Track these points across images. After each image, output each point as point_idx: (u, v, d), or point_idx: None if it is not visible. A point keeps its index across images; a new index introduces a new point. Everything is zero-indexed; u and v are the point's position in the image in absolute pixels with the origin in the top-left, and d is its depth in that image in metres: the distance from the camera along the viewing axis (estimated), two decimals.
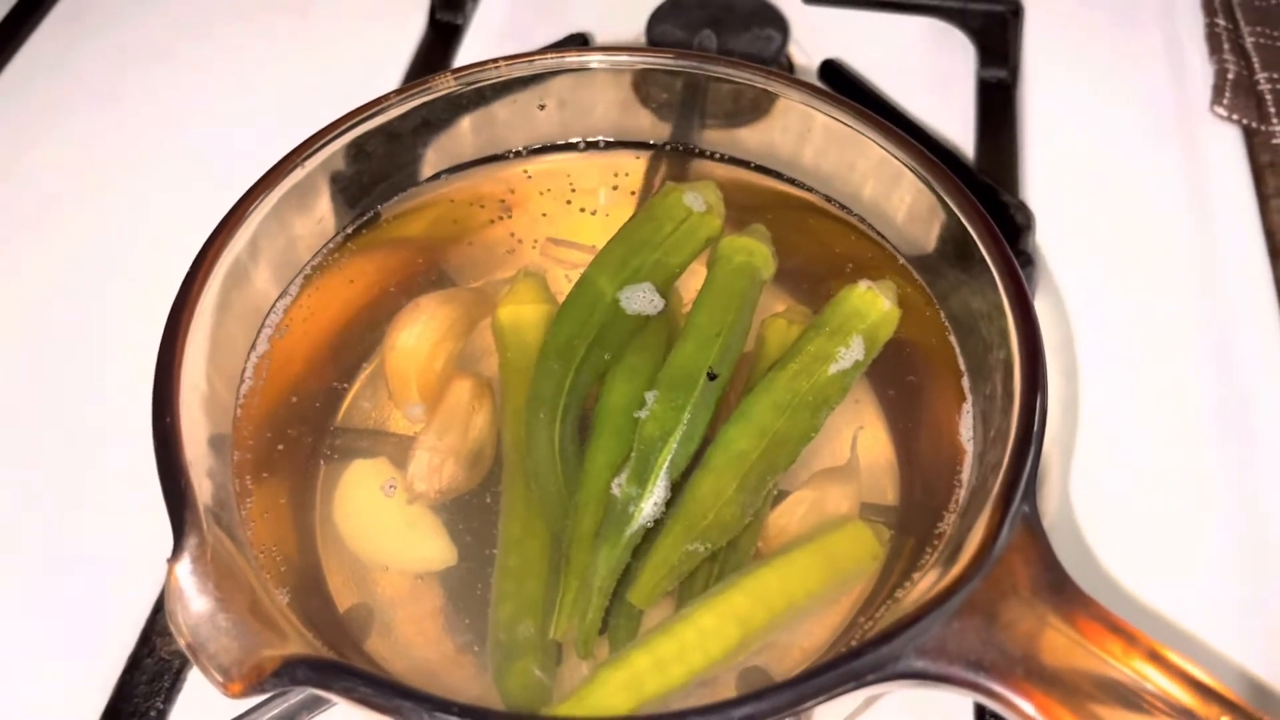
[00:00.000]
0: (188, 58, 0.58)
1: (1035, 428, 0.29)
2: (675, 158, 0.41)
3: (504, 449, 0.35)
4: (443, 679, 0.32)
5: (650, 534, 0.33)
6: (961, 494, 0.32)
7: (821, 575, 0.32)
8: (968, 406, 0.34)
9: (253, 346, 0.35)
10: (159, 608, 0.39)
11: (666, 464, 0.33)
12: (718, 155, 0.41)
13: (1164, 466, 0.42)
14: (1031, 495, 0.28)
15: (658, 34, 0.54)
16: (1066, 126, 0.53)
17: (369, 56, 0.58)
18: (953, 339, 0.35)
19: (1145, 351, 0.45)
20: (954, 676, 0.25)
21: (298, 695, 0.35)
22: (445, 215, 0.41)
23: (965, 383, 0.34)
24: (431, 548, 0.34)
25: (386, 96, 0.37)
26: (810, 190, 0.40)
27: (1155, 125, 0.53)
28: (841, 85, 0.54)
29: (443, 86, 0.38)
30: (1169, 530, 0.40)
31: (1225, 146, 0.52)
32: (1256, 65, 0.53)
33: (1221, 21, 0.56)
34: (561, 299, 0.37)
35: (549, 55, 0.39)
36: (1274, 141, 0.51)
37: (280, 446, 0.35)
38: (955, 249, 0.34)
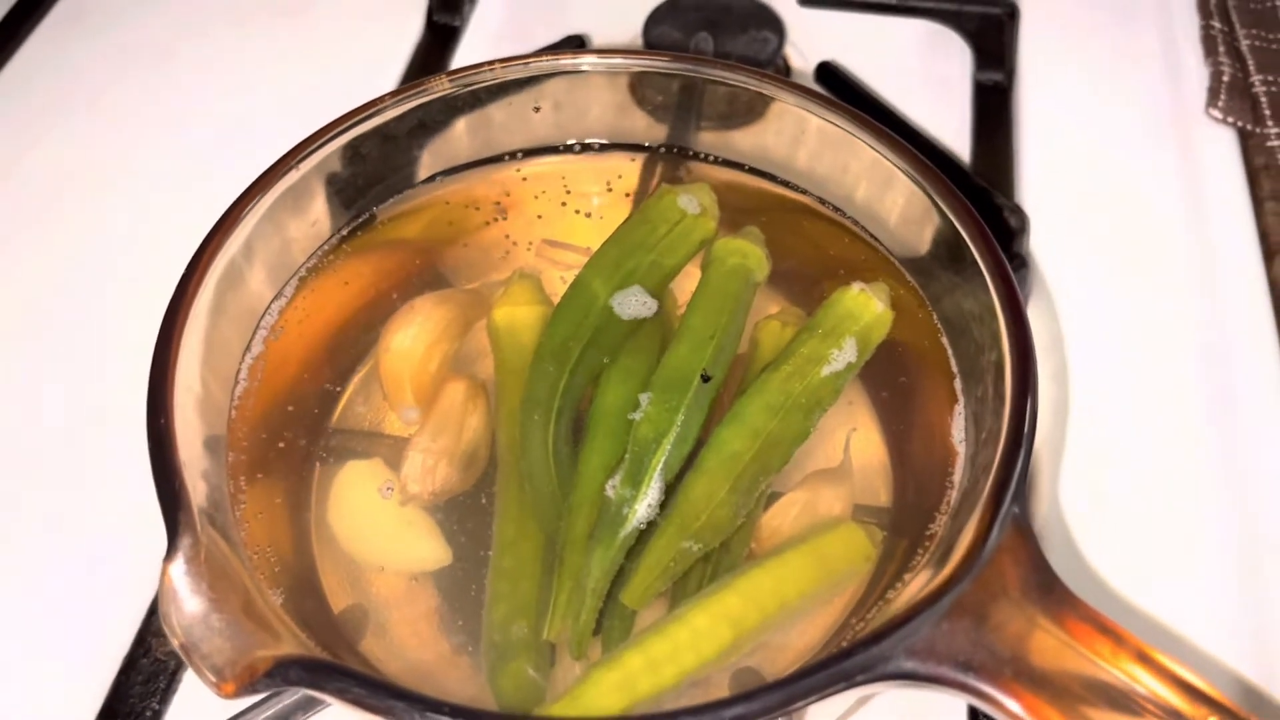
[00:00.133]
0: (186, 59, 0.59)
1: (1026, 430, 0.29)
2: (670, 160, 0.41)
3: (499, 450, 0.36)
4: (437, 680, 0.33)
5: (644, 535, 0.33)
6: (953, 495, 0.32)
7: (814, 576, 0.32)
8: (960, 408, 0.34)
9: (248, 348, 0.35)
10: (155, 609, 0.39)
11: (660, 466, 0.33)
12: (712, 158, 0.41)
13: (1157, 468, 0.42)
14: (1022, 497, 0.28)
15: (654, 36, 0.54)
16: (1062, 129, 0.53)
17: (366, 58, 0.58)
18: (945, 341, 0.35)
19: (1140, 353, 0.45)
20: (943, 677, 0.26)
21: (292, 696, 0.35)
22: (440, 217, 0.41)
23: (958, 385, 0.34)
24: (426, 549, 0.34)
25: (381, 99, 0.37)
26: (804, 192, 0.40)
27: (1151, 128, 0.53)
28: (837, 88, 0.55)
29: (438, 89, 0.38)
30: (1161, 532, 0.40)
31: (1220, 149, 0.52)
32: (1252, 68, 0.53)
33: (1217, 24, 0.56)
34: (557, 301, 0.38)
35: (544, 58, 0.39)
36: (1269, 144, 0.51)
37: (275, 448, 0.35)
38: (948, 251, 0.34)
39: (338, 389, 0.37)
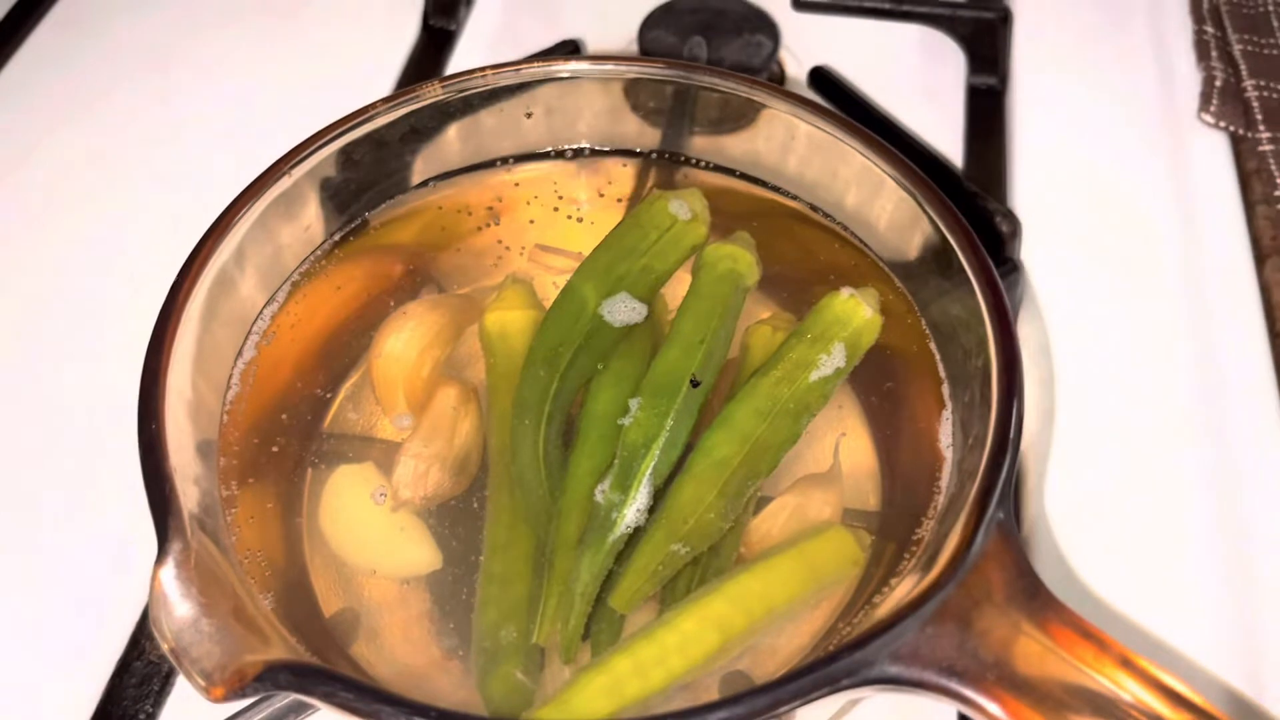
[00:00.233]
0: (183, 62, 0.59)
1: (1011, 435, 0.29)
2: (663, 165, 0.42)
3: (490, 455, 0.36)
4: (428, 684, 0.33)
5: (633, 540, 0.33)
6: (940, 500, 0.32)
7: (802, 581, 0.33)
8: (947, 413, 0.34)
9: (240, 353, 0.35)
10: (148, 611, 0.39)
11: (649, 470, 0.33)
12: (704, 163, 0.41)
13: (1146, 473, 0.42)
14: (1007, 502, 0.28)
15: (649, 40, 0.55)
16: (1055, 133, 0.54)
17: (363, 62, 0.58)
18: (933, 346, 0.35)
19: (1130, 357, 0.45)
20: (927, 682, 0.26)
21: (284, 700, 0.36)
22: (433, 222, 0.41)
23: (945, 390, 0.34)
24: (418, 553, 0.34)
25: (373, 105, 0.37)
26: (795, 198, 0.40)
27: (1143, 132, 0.53)
28: (831, 92, 0.55)
29: (430, 95, 0.38)
30: (1149, 539, 0.40)
31: (1212, 153, 0.52)
32: (1244, 72, 0.53)
33: (1210, 29, 0.56)
34: (549, 305, 0.38)
35: (535, 64, 0.39)
36: (1260, 148, 0.51)
37: (267, 452, 0.35)
38: (936, 257, 0.34)
39: (330, 394, 0.37)
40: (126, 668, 0.38)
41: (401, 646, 0.33)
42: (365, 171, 0.39)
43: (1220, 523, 0.40)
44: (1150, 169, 0.52)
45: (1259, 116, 0.52)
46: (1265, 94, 0.53)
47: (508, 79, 0.39)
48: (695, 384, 0.35)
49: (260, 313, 0.36)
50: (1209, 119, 0.53)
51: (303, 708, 0.36)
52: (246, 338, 0.36)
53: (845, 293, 0.36)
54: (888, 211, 0.36)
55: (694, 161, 0.41)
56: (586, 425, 0.35)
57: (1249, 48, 0.55)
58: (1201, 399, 0.44)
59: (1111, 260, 0.48)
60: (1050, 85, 0.56)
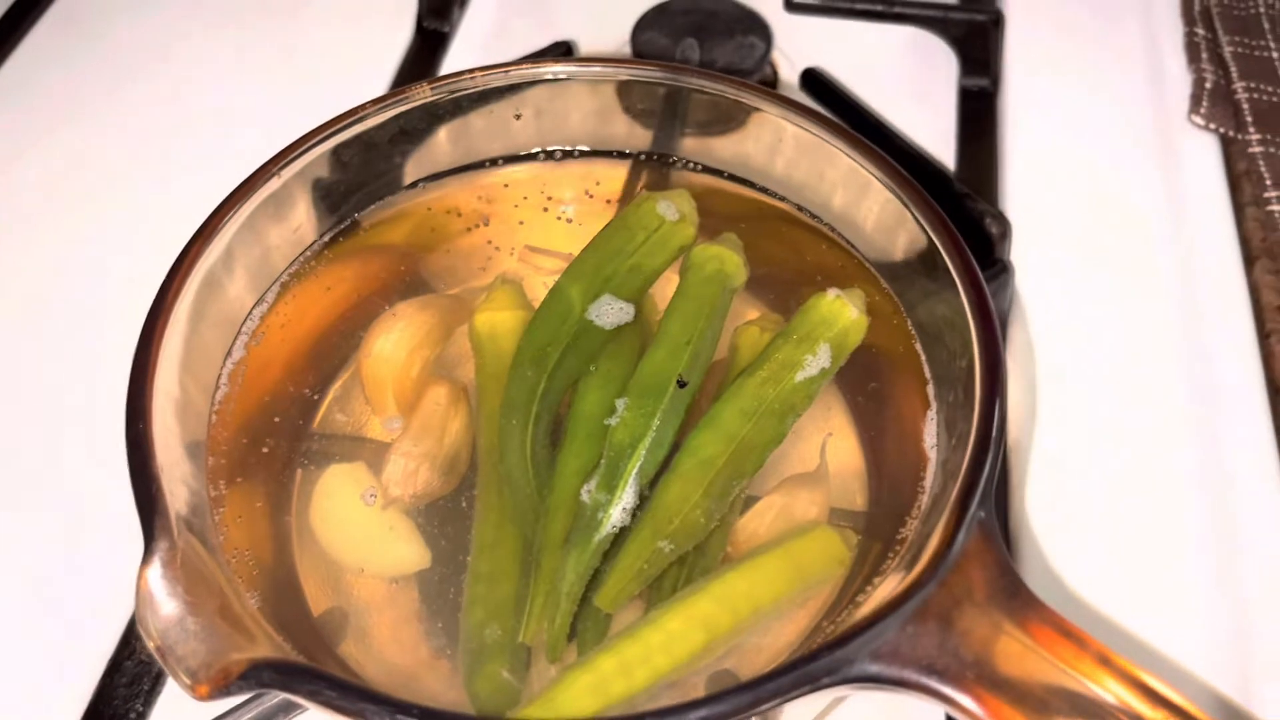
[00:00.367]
0: (179, 61, 0.59)
1: (993, 434, 0.29)
2: (651, 166, 0.42)
3: (479, 454, 0.36)
4: (415, 682, 0.33)
5: (619, 539, 0.33)
6: (924, 500, 0.32)
7: (788, 580, 0.33)
8: (932, 414, 0.34)
9: (229, 353, 0.35)
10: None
11: (636, 470, 0.34)
12: (693, 164, 0.41)
13: (1134, 473, 0.42)
14: (989, 501, 0.28)
15: (642, 42, 0.55)
16: (1046, 135, 0.54)
17: (357, 63, 0.58)
18: (919, 347, 0.35)
19: (1120, 357, 0.45)
20: (908, 680, 0.26)
21: (274, 699, 0.36)
22: (423, 223, 0.41)
23: (931, 390, 0.34)
24: (406, 552, 0.34)
25: (363, 106, 0.38)
26: (782, 199, 0.40)
27: (1134, 134, 0.53)
28: (823, 94, 0.55)
29: (419, 96, 0.38)
30: (1137, 540, 0.40)
31: (1202, 155, 0.52)
32: (1234, 74, 0.54)
33: (1200, 31, 0.56)
34: (538, 306, 0.38)
35: (525, 66, 0.39)
36: (1250, 150, 0.51)
37: (256, 452, 0.35)
38: (922, 258, 0.34)
39: (320, 394, 0.38)
40: (117, 667, 0.38)
41: (389, 645, 0.33)
42: (355, 172, 0.39)
43: (1208, 523, 0.40)
44: (1141, 170, 0.52)
45: (1249, 118, 0.52)
46: (1256, 96, 0.53)
47: (497, 81, 0.39)
48: (682, 384, 0.35)
49: (249, 313, 0.36)
50: (1199, 121, 0.53)
51: (293, 707, 0.36)
52: (235, 338, 0.36)
53: (832, 294, 0.36)
54: (874, 213, 0.37)
55: (683, 163, 0.41)
56: (574, 425, 0.35)
57: (1239, 50, 0.55)
58: (1190, 400, 0.44)
59: (1102, 261, 0.49)
60: (1042, 87, 0.56)
